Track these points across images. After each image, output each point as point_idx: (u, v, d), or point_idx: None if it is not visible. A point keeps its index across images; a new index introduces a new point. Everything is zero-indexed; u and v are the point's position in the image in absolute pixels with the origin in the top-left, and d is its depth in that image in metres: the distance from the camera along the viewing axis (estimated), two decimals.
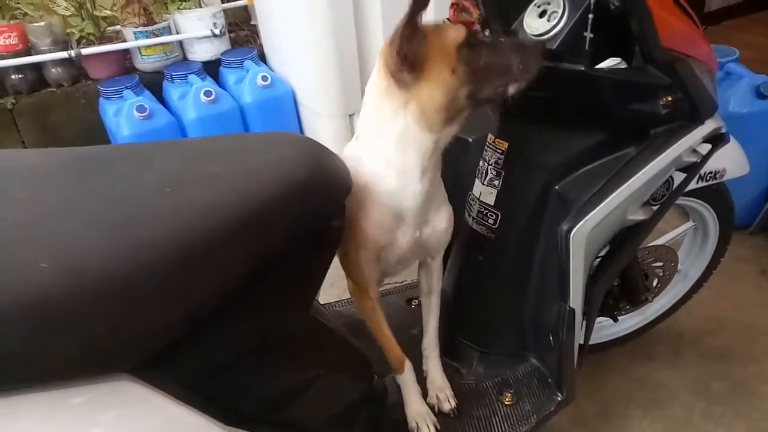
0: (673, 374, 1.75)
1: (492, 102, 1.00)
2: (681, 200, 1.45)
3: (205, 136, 1.03)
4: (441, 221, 1.13)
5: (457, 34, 0.95)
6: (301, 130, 2.76)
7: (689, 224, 1.63)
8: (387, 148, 1.00)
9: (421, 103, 0.95)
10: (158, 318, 0.71)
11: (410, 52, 0.91)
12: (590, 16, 0.88)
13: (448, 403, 1.29)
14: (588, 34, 0.90)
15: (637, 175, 1.03)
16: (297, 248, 0.89)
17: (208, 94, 2.42)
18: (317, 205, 0.91)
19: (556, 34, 0.96)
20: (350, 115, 2.50)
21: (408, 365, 1.23)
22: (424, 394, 1.29)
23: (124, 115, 2.34)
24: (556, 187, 1.15)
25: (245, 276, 0.80)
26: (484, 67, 0.94)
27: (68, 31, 2.52)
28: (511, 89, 0.96)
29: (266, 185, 0.83)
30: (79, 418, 0.71)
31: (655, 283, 1.62)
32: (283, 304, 0.93)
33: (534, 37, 0.99)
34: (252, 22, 3.05)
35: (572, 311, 1.15)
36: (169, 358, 0.76)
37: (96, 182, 0.80)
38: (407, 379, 1.24)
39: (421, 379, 1.31)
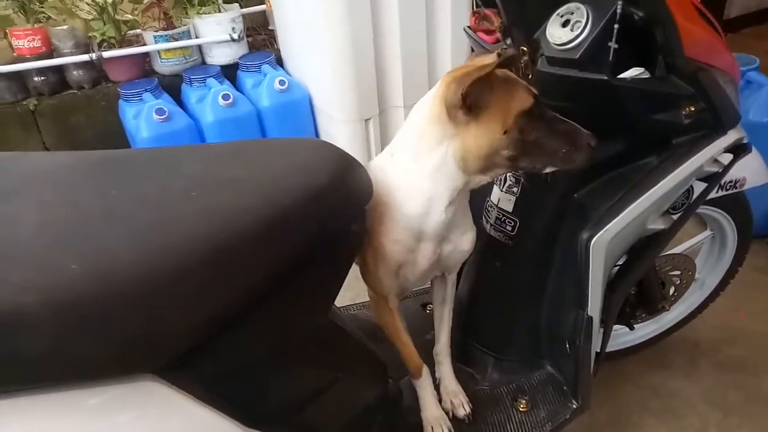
0: (689, 384, 1.74)
1: (527, 170, 1.02)
2: (700, 209, 1.44)
3: (227, 141, 1.04)
4: (463, 243, 1.13)
5: (523, 100, 0.94)
6: (317, 135, 2.78)
7: (707, 233, 1.62)
8: (420, 173, 1.00)
9: (464, 144, 0.96)
10: (184, 321, 0.72)
11: (474, 98, 0.92)
12: (616, 26, 0.88)
13: (463, 409, 1.29)
14: (612, 45, 0.90)
15: (658, 185, 1.03)
16: (318, 252, 0.90)
17: (226, 97, 2.44)
18: (339, 210, 0.92)
19: (579, 44, 0.96)
20: (366, 120, 2.51)
21: (425, 370, 1.24)
22: (438, 399, 1.30)
23: (144, 117, 2.36)
24: (576, 195, 1.15)
25: (268, 280, 0.81)
26: (533, 141, 0.95)
27: (90, 34, 2.55)
28: (548, 169, 0.98)
29: (289, 190, 0.85)
30: (103, 416, 0.72)
31: (671, 292, 1.61)
32: (304, 308, 0.94)
33: (558, 47, 0.99)
34: (270, 27, 3.08)
35: (590, 319, 1.15)
36: (192, 359, 0.77)
37: (124, 185, 0.82)
38: (424, 384, 1.25)
39: (436, 385, 1.32)
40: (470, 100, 0.91)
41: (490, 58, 0.91)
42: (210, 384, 0.79)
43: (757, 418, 1.61)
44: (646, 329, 1.75)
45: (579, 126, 0.95)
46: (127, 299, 0.67)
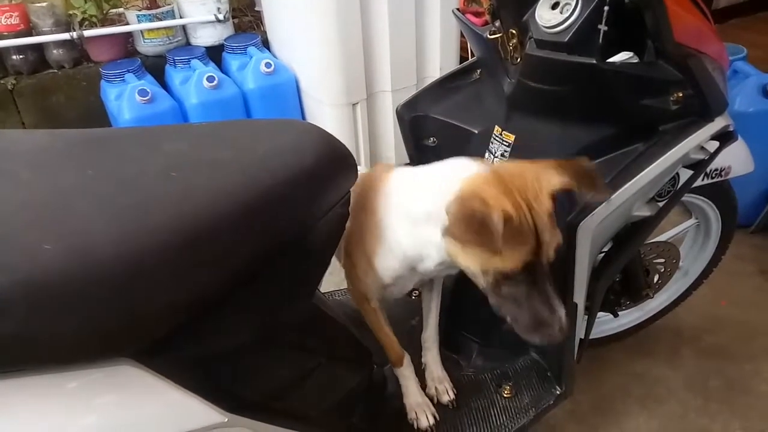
0: (671, 371, 1.76)
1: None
2: (685, 197, 1.44)
3: (211, 121, 1.01)
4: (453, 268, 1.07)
5: (507, 262, 0.80)
6: (304, 119, 2.75)
7: (692, 221, 1.63)
8: (418, 230, 0.96)
9: (450, 251, 0.89)
10: (163, 302, 0.70)
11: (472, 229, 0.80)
12: (606, 8, 0.87)
13: (447, 395, 1.30)
14: (602, 27, 0.89)
15: (645, 171, 1.02)
16: (302, 235, 0.88)
17: (210, 79, 2.40)
18: (324, 192, 0.90)
19: (568, 27, 0.95)
20: (353, 104, 2.48)
21: (407, 359, 1.24)
22: (423, 385, 1.30)
23: (126, 98, 2.32)
24: None
25: (250, 262, 0.80)
26: (503, 301, 0.86)
27: (70, 12, 2.49)
28: (511, 327, 0.88)
29: (274, 172, 0.83)
30: (80, 400, 0.70)
31: (656, 280, 1.62)
32: (287, 291, 0.93)
33: (547, 30, 0.97)
34: (256, 8, 3.03)
35: (575, 306, 1.15)
36: (171, 343, 0.75)
37: (103, 165, 0.79)
38: (406, 372, 1.25)
39: (421, 371, 1.32)
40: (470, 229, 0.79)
41: (552, 178, 0.81)
42: (190, 368, 0.78)
43: (736, 404, 1.63)
44: (630, 317, 1.76)
45: (557, 310, 0.83)
46: (103, 280, 0.65)
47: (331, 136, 0.97)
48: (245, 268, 0.79)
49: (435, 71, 2.61)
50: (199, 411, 0.77)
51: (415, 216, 0.96)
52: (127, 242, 0.67)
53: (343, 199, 0.96)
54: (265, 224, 0.80)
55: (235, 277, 0.78)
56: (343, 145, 0.98)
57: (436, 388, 1.30)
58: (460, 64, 2.70)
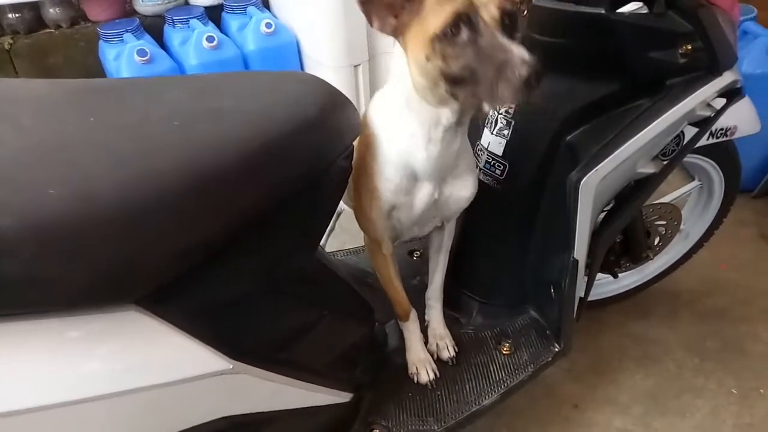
0: (668, 332, 1.78)
1: (470, 107, 0.87)
2: (689, 158, 1.44)
3: (212, 72, 1.00)
4: (462, 189, 1.08)
5: (435, 21, 0.80)
6: None
7: (695, 183, 1.63)
8: (397, 109, 0.97)
9: (411, 72, 0.88)
10: (168, 248, 0.71)
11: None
12: None
13: (447, 352, 1.31)
14: None
15: (650, 126, 1.01)
16: (305, 186, 0.88)
17: (210, 39, 2.36)
18: (327, 143, 0.90)
19: None
20: (355, 66, 2.45)
21: (413, 314, 1.26)
22: (425, 341, 1.31)
23: (125, 58, 2.28)
24: (567, 138, 1.13)
25: (254, 210, 0.80)
26: (458, 71, 0.81)
27: None
28: (486, 107, 0.82)
29: (277, 121, 0.82)
30: (85, 345, 0.71)
31: (656, 241, 1.62)
32: (290, 242, 0.93)
33: None
34: None
35: (576, 262, 1.15)
36: (177, 290, 0.76)
37: (104, 113, 0.79)
38: (411, 327, 1.26)
39: (423, 328, 1.33)
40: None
41: None
42: (196, 316, 0.79)
43: (730, 363, 1.66)
44: (630, 279, 1.77)
45: (517, 50, 0.76)
46: (108, 224, 0.65)
47: (333, 87, 0.96)
48: (249, 216, 0.79)
49: None
50: (205, 357, 0.78)
51: (391, 85, 0.97)
52: (130, 187, 0.67)
53: (346, 151, 0.95)
54: (268, 173, 0.80)
55: (238, 224, 0.78)
56: (346, 97, 0.97)
57: (437, 345, 1.32)
58: None
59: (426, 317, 1.34)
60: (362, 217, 1.12)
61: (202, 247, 0.74)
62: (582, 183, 1.03)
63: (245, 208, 0.78)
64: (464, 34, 0.79)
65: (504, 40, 0.77)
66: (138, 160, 0.71)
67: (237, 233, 0.79)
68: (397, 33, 0.87)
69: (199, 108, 0.83)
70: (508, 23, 0.80)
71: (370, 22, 0.86)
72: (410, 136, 0.97)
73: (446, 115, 0.92)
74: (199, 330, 0.78)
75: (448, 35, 0.79)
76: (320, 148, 0.88)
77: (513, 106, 1.18)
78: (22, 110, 0.78)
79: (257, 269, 0.88)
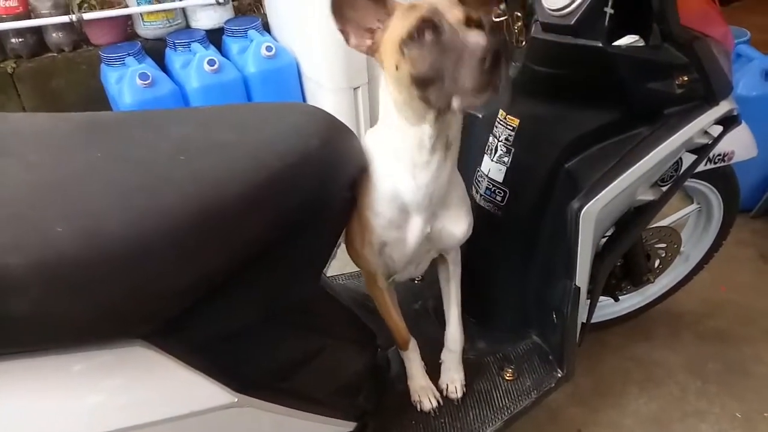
0: (670, 354, 1.78)
1: (437, 107, 0.85)
2: (687, 182, 1.44)
3: (215, 105, 1.01)
4: (455, 224, 1.06)
5: (401, 29, 0.82)
6: (304, 102, 2.74)
7: (694, 206, 1.64)
8: (385, 134, 0.97)
9: (390, 90, 0.90)
10: (173, 283, 0.71)
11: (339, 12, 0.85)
12: None
13: (455, 394, 1.29)
14: (608, 10, 0.89)
15: (649, 155, 1.02)
16: (308, 218, 0.89)
17: (211, 63, 2.38)
18: (329, 175, 0.91)
19: (574, 10, 0.94)
20: (354, 89, 2.47)
21: (412, 343, 1.25)
22: (434, 378, 1.30)
23: (127, 82, 2.30)
24: (566, 166, 1.14)
25: (257, 244, 0.81)
26: (425, 71, 0.81)
27: None
28: (455, 103, 0.80)
29: (280, 155, 0.83)
30: (90, 380, 0.71)
31: (657, 264, 1.63)
32: (293, 274, 0.94)
33: (552, 13, 0.97)
34: None
35: (578, 289, 1.16)
36: (180, 324, 0.76)
37: (110, 148, 0.80)
38: (411, 356, 1.26)
39: (436, 365, 1.32)
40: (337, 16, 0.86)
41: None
42: (198, 349, 0.79)
43: (734, 386, 1.65)
44: (631, 301, 1.77)
45: (473, 37, 0.76)
46: (114, 261, 0.66)
47: (336, 118, 0.98)
48: (253, 250, 0.80)
49: None
50: (210, 391, 0.78)
51: (380, 130, 0.99)
52: (136, 224, 0.68)
53: (350, 182, 0.96)
54: (273, 206, 0.81)
55: (243, 258, 0.79)
56: (348, 128, 0.99)
57: (446, 385, 1.29)
58: None
59: (442, 356, 1.31)
60: (354, 253, 1.11)
61: (206, 282, 0.75)
62: (583, 212, 1.04)
63: (248, 241, 0.79)
64: (428, 36, 0.81)
65: (464, 32, 0.78)
66: (144, 196, 0.71)
67: (240, 266, 0.79)
68: (373, 50, 0.90)
69: (204, 142, 0.84)
70: (475, 25, 0.81)
71: (347, 41, 0.90)
72: (397, 161, 0.96)
73: (427, 132, 0.91)
74: (204, 363, 0.78)
75: (413, 39, 0.81)
76: (323, 179, 0.89)
77: (510, 135, 1.19)
78: (29, 145, 0.78)
79: (260, 301, 0.88)
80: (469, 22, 0.81)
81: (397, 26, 0.84)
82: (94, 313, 0.66)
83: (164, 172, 0.76)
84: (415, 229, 1.02)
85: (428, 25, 0.80)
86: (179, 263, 0.71)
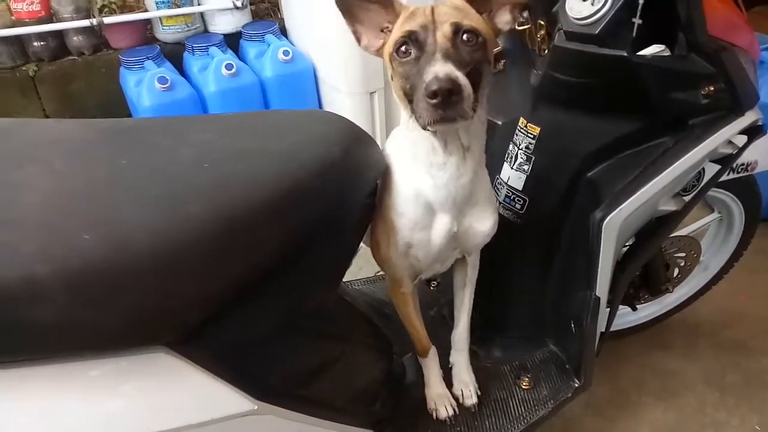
0: (688, 364, 1.75)
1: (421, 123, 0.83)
2: (709, 191, 1.43)
3: (231, 111, 1.02)
4: (481, 222, 1.05)
5: (398, 32, 0.85)
6: (321, 107, 2.74)
7: (714, 215, 1.62)
8: (403, 135, 0.98)
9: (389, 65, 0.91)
10: (198, 292, 0.71)
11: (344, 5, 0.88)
12: (640, 1, 0.86)
13: (471, 399, 1.28)
14: (636, 21, 0.88)
15: (673, 166, 1.01)
16: (329, 226, 0.89)
17: (229, 67, 2.40)
18: (351, 182, 0.91)
19: (599, 19, 0.94)
20: (371, 93, 2.47)
21: (432, 350, 1.24)
22: (449, 384, 1.29)
23: (145, 85, 2.33)
24: (588, 175, 1.13)
25: (280, 252, 0.81)
26: (405, 89, 0.84)
27: None
28: (420, 122, 0.81)
29: (303, 163, 0.84)
30: (113, 386, 0.72)
31: (675, 274, 1.61)
32: (314, 281, 0.94)
33: (577, 22, 0.96)
34: None
35: (598, 299, 1.15)
36: (203, 331, 0.76)
37: (135, 155, 0.80)
38: (430, 363, 1.25)
39: (447, 370, 1.31)
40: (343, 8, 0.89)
41: None
42: (220, 356, 0.79)
43: (753, 399, 1.63)
44: (648, 310, 1.76)
45: (438, 67, 0.77)
46: (140, 270, 0.66)
47: (357, 126, 0.98)
48: (275, 258, 0.80)
49: None
50: (231, 398, 0.78)
51: (400, 132, 1.00)
52: (162, 232, 0.68)
53: (370, 190, 0.96)
54: (295, 214, 0.81)
55: (265, 265, 0.79)
56: (369, 136, 0.99)
57: (461, 391, 1.29)
58: None
59: (451, 359, 1.32)
60: (380, 257, 1.11)
61: (230, 290, 0.75)
62: (606, 222, 1.03)
63: (272, 249, 0.79)
64: (413, 52, 0.83)
65: (437, 57, 0.79)
66: (169, 204, 0.72)
67: (262, 274, 0.79)
68: (381, 52, 0.91)
69: (227, 149, 0.85)
70: (465, 40, 0.82)
71: (358, 41, 0.92)
72: (415, 161, 0.96)
73: (433, 137, 0.91)
74: (225, 371, 0.79)
75: (400, 53, 0.84)
76: (345, 187, 0.89)
77: (531, 143, 1.18)
78: (54, 153, 0.79)
79: (281, 308, 0.88)
80: (455, 41, 0.82)
81: (396, 33, 0.86)
82: (119, 322, 0.66)
83: (189, 180, 0.76)
84: (441, 228, 1.02)
85: (414, 40, 0.83)
86: (204, 271, 0.71)
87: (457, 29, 0.82)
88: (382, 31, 0.91)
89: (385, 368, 1.19)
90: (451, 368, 1.32)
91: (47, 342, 0.64)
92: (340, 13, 0.89)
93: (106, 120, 0.91)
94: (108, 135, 0.86)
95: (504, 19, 0.90)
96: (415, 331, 1.21)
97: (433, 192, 0.97)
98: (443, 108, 0.76)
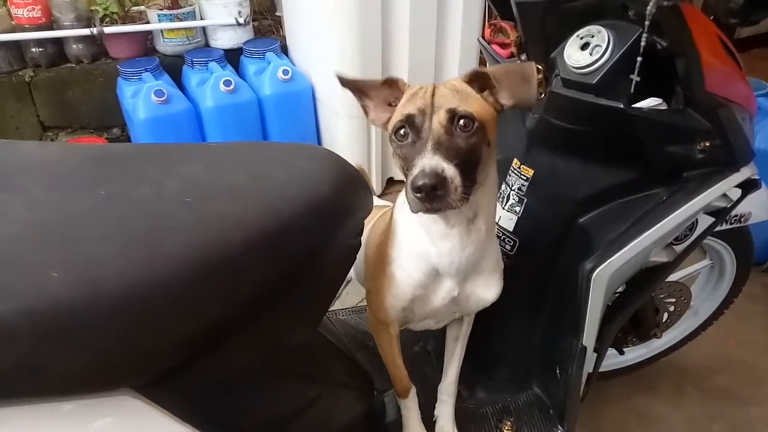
0: (674, 410, 1.73)
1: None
2: None
3: (229, 141, 1.00)
4: (485, 290, 1.05)
5: (400, 113, 0.87)
6: (318, 128, 2.74)
7: (706, 262, 1.61)
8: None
9: None
10: (170, 335, 0.68)
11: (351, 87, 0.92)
12: (639, 59, 0.85)
13: None
14: (634, 77, 0.87)
15: (666, 219, 1.00)
16: (313, 266, 0.86)
17: (227, 83, 2.39)
18: (337, 223, 0.89)
19: (597, 69, 0.93)
20: None
21: (412, 392, 1.22)
22: (429, 423, 1.26)
23: (142, 97, 2.32)
24: (580, 221, 1.12)
25: (261, 294, 0.78)
26: (402, 170, 0.87)
27: (92, 8, 2.49)
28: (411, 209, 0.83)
29: (290, 201, 0.81)
30: (73, 428, 0.69)
31: (665, 318, 1.60)
32: (294, 321, 0.91)
33: (575, 70, 0.96)
34: (277, 13, 3.02)
35: (584, 349, 1.13)
36: (173, 374, 0.73)
37: (116, 185, 0.78)
38: (410, 405, 1.22)
39: (431, 422, 1.28)
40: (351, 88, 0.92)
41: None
42: (190, 400, 0.76)
43: None
44: (635, 353, 1.74)
45: (426, 161, 0.78)
46: (111, 312, 0.63)
47: (348, 164, 0.96)
48: (255, 300, 0.77)
49: None
50: None
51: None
52: (136, 273, 0.65)
53: (357, 230, 0.94)
54: (278, 255, 0.79)
55: (243, 308, 0.76)
56: (359, 174, 0.97)
57: None
58: None
59: (436, 412, 1.29)
60: (376, 302, 1.09)
61: (204, 334, 0.72)
62: (595, 273, 1.01)
63: (251, 291, 0.76)
64: (410, 136, 0.85)
65: (428, 148, 0.80)
66: (146, 241, 0.69)
67: (240, 316, 0.77)
68: (387, 126, 0.92)
69: (213, 183, 0.83)
70: (461, 126, 0.82)
71: (366, 114, 0.94)
72: (419, 225, 0.96)
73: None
74: (195, 416, 0.76)
75: (398, 136, 0.86)
76: (331, 227, 0.87)
77: (524, 185, 1.17)
78: (34, 179, 0.77)
79: (257, 349, 0.85)
80: (450, 128, 0.82)
81: (395, 116, 0.88)
82: (86, 366, 0.63)
83: (168, 216, 0.74)
84: (442, 291, 1.02)
85: (411, 124, 0.84)
86: (177, 315, 0.68)
87: (453, 116, 0.82)
88: (389, 105, 0.92)
89: (364, 408, 1.15)
90: (434, 421, 1.28)
91: (4, 386, 0.61)
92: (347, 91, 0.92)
93: (92, 145, 0.89)
94: (92, 161, 0.84)
95: (507, 96, 0.88)
96: (396, 370, 1.19)
97: (437, 258, 0.97)
98: (429, 201, 0.78)
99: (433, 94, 0.85)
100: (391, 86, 0.91)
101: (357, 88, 0.92)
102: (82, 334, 0.62)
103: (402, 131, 0.85)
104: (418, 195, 0.77)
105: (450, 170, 0.78)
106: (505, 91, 0.85)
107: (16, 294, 0.60)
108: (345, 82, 0.91)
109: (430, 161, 0.78)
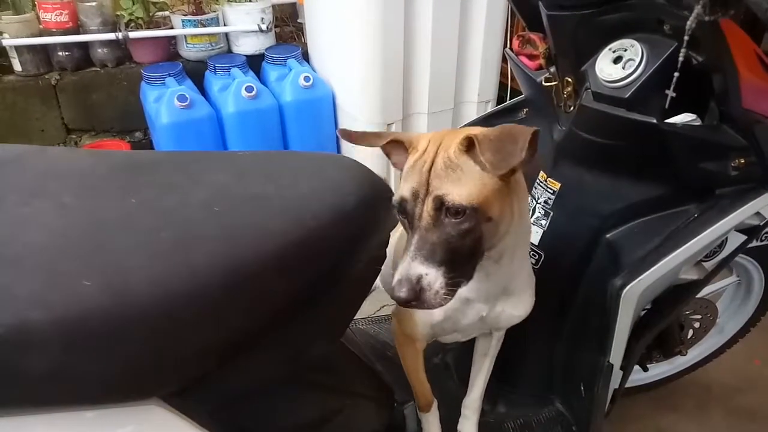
0: (698, 429, 1.69)
1: None
2: None
3: (255, 150, 1.00)
4: (516, 307, 1.05)
5: (398, 190, 0.85)
6: (338, 135, 2.74)
7: (733, 278, 1.57)
8: None
9: None
10: (198, 345, 0.69)
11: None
12: (676, 74, 0.83)
13: None
14: (670, 93, 0.85)
15: (698, 237, 0.97)
16: (338, 277, 0.86)
17: (249, 89, 2.41)
18: (364, 234, 0.88)
19: (630, 83, 0.91)
20: (389, 125, 2.47)
21: (434, 405, 1.20)
22: None
23: (165, 102, 2.33)
24: (607, 236, 1.10)
25: (288, 304, 0.78)
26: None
27: (118, 13, 2.53)
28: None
29: (316, 213, 0.81)
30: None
31: (690, 335, 1.56)
32: (318, 332, 0.91)
33: (607, 84, 0.94)
34: (299, 20, 3.04)
35: (611, 366, 1.10)
36: (199, 384, 0.73)
37: (146, 193, 0.78)
38: (431, 419, 1.21)
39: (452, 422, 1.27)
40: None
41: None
42: (215, 409, 0.76)
43: None
44: (659, 369, 1.70)
45: (403, 269, 0.78)
46: (140, 321, 0.63)
47: (375, 174, 0.95)
48: (282, 311, 0.77)
49: (473, 96, 2.58)
50: None
51: None
52: (163, 283, 0.65)
53: (383, 241, 0.94)
54: (305, 266, 0.78)
55: (271, 319, 0.76)
56: (386, 185, 0.96)
57: None
58: (500, 91, 2.68)
59: (459, 427, 1.27)
60: (406, 318, 1.08)
61: (230, 344, 0.72)
62: (625, 291, 0.99)
63: (276, 302, 0.76)
64: (405, 219, 0.84)
65: (411, 248, 0.79)
66: (175, 251, 0.69)
67: (266, 327, 0.76)
68: None
69: (240, 193, 0.82)
70: (452, 213, 0.78)
71: (388, 157, 0.92)
72: None
73: None
74: (219, 425, 0.75)
75: (396, 208, 0.84)
76: (357, 239, 0.87)
77: (550, 198, 1.15)
78: (65, 185, 0.77)
79: (281, 360, 0.85)
80: (438, 217, 0.79)
81: (399, 187, 0.86)
82: (114, 375, 0.63)
83: (197, 226, 0.74)
84: (471, 312, 1.02)
85: (403, 211, 0.83)
86: (206, 325, 0.68)
87: (440, 205, 0.78)
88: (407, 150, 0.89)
89: (385, 420, 1.15)
90: None
91: (33, 394, 0.61)
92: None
93: (121, 152, 0.89)
94: (121, 169, 0.84)
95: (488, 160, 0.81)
96: (419, 384, 1.17)
97: (468, 289, 0.94)
98: (417, 298, 0.77)
99: (430, 168, 0.81)
100: (396, 145, 0.89)
101: (368, 142, 0.90)
102: (111, 343, 0.62)
103: (399, 207, 0.84)
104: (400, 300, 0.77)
105: (430, 275, 0.76)
106: (487, 154, 0.76)
107: (47, 302, 0.60)
108: (354, 139, 0.89)
109: (407, 269, 0.77)
